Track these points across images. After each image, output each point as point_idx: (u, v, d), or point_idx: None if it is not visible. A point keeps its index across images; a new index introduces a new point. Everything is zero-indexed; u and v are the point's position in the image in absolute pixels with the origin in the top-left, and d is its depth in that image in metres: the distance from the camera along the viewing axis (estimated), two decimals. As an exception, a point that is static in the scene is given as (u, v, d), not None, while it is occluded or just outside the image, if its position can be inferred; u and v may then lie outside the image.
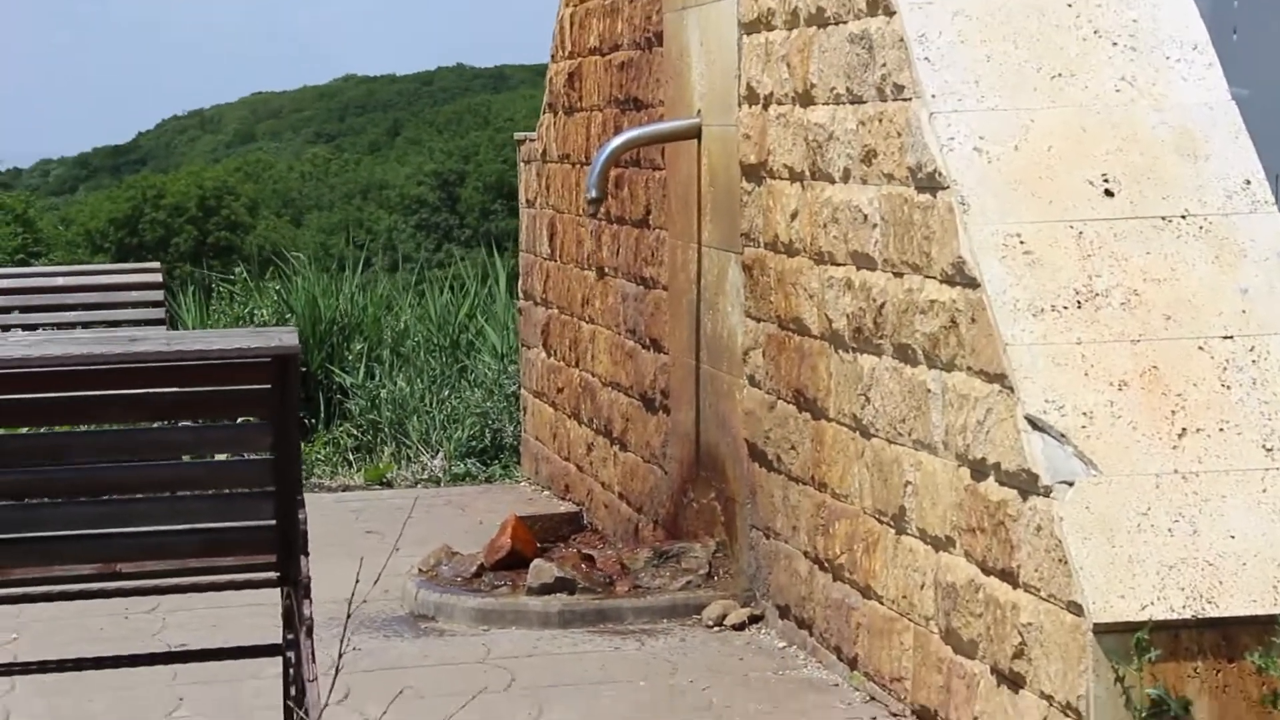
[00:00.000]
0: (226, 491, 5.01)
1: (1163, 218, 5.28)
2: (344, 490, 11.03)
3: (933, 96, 5.47)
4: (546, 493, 10.33)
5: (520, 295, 10.98)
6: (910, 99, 5.59)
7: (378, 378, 12.55)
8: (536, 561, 7.46)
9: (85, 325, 10.10)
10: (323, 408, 12.50)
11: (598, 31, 9.11)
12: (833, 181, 6.23)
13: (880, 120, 5.81)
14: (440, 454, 11.63)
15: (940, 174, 5.39)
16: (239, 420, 5.21)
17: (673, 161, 7.95)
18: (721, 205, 7.36)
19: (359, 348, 12.80)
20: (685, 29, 7.71)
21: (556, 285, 10.03)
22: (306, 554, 4.92)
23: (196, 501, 4.97)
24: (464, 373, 12.55)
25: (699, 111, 7.57)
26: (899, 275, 5.75)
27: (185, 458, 5.08)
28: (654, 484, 8.38)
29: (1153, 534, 4.78)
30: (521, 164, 10.87)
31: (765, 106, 6.81)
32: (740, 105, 7.06)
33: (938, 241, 5.44)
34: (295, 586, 4.91)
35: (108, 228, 62.45)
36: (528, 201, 10.71)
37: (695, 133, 7.58)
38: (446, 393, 12.20)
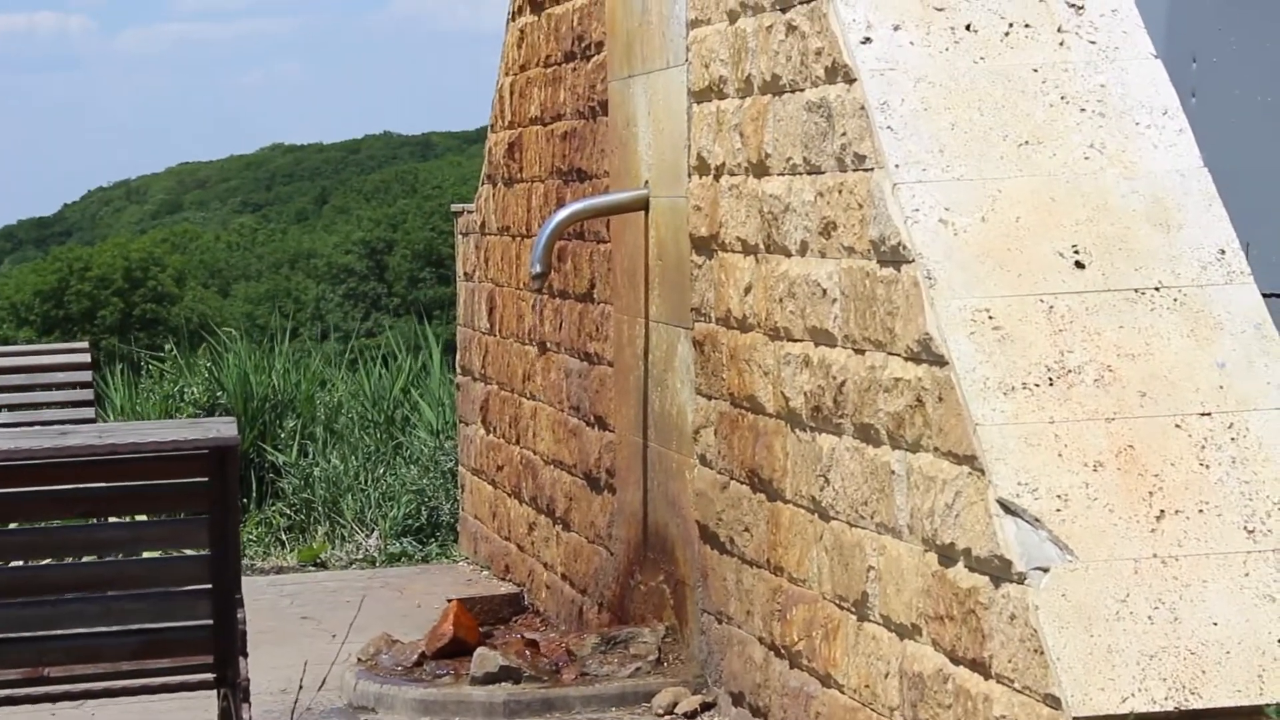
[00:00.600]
0: (161, 590, 4.74)
1: (1136, 290, 5.09)
2: (277, 572, 10.74)
3: (896, 166, 5.28)
4: (486, 573, 10.07)
5: (458, 370, 10.74)
6: (872, 169, 5.39)
7: (311, 455, 12.27)
8: (480, 650, 7.20)
9: (10, 408, 9.79)
10: (255, 487, 12.20)
11: (539, 101, 8.91)
12: (789, 255, 6.02)
13: (840, 191, 5.61)
14: (375, 533, 11.36)
15: (905, 247, 5.19)
16: (175, 515, 4.96)
17: (618, 234, 7.74)
18: (670, 279, 7.15)
19: (291, 425, 12.53)
20: (631, 97, 7.51)
21: (496, 360, 9.79)
22: (245, 655, 4.66)
23: (130, 601, 4.71)
24: (399, 449, 12.28)
25: (646, 182, 7.37)
26: (860, 352, 5.54)
27: (118, 555, 4.81)
28: (599, 566, 8.13)
29: (1132, 622, 4.56)
30: (459, 236, 10.65)
31: (717, 177, 6.60)
32: (690, 176, 6.86)
33: (902, 317, 5.23)
34: (233, 689, 4.65)
35: (33, 300, 61.88)
36: (465, 275, 10.48)
37: (643, 204, 7.37)
38: (381, 470, 11.93)
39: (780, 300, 6.09)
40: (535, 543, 9.15)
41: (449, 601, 8.14)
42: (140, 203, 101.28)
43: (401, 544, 11.11)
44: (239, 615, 4.63)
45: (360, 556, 11.05)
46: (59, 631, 4.61)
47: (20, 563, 4.58)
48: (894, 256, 5.26)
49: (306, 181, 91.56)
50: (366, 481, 11.82)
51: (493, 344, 9.84)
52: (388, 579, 10.22)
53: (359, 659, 7.56)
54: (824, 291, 5.76)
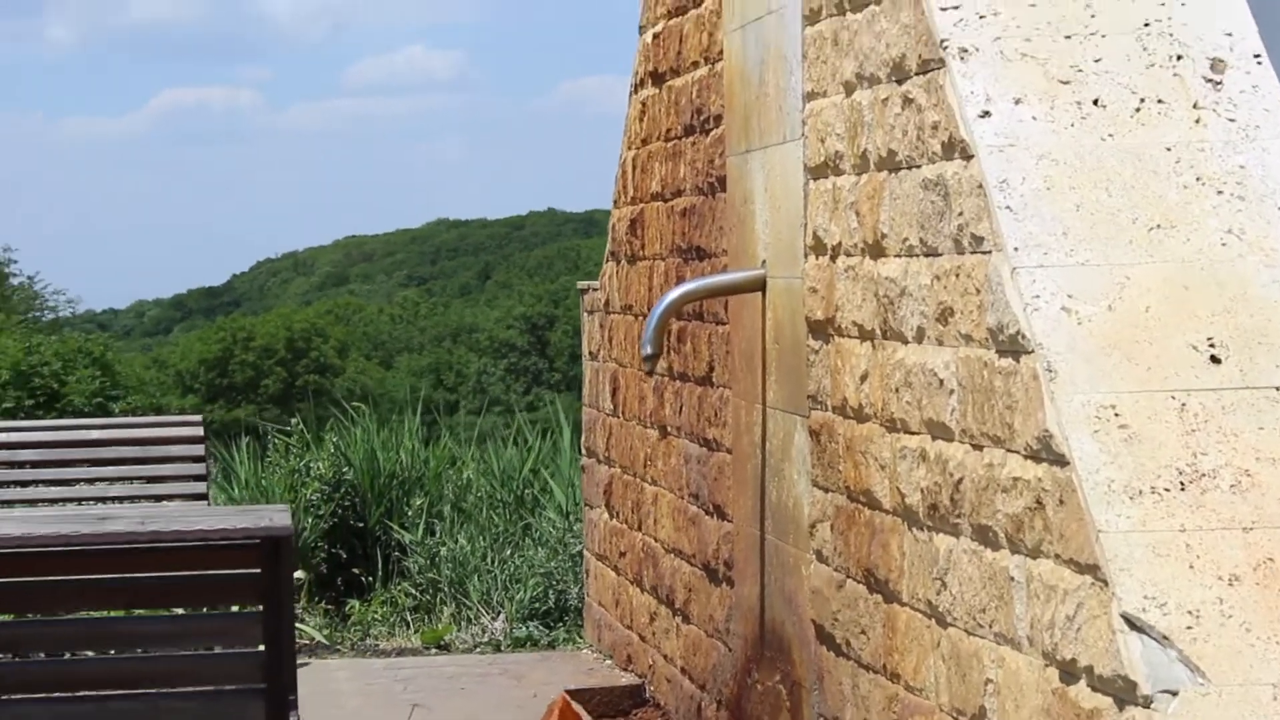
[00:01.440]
0: (211, 689, 4.42)
1: (1278, 388, 4.66)
2: (398, 654, 10.46)
3: (1015, 249, 4.88)
4: (609, 662, 9.71)
5: (583, 452, 10.42)
6: (990, 251, 5.00)
7: (438, 534, 11.98)
8: (582, 752, 6.83)
9: (121, 481, 9.58)
10: (381, 565, 11.94)
11: (660, 176, 8.59)
12: (905, 342, 5.64)
13: (957, 275, 5.22)
14: (501, 615, 11.04)
15: (1024, 336, 4.79)
16: (225, 609, 4.65)
17: (736, 315, 7.39)
18: (787, 364, 6.78)
19: (419, 503, 12.25)
20: (749, 174, 7.17)
21: (619, 443, 9.46)
22: (298, 763, 4.33)
23: (178, 700, 4.39)
24: (528, 530, 11.96)
25: (763, 262, 7.01)
26: (978, 448, 5.14)
27: (163, 651, 4.50)
28: (717, 661, 7.75)
29: (1270, 754, 4.13)
30: (585, 314, 10.36)
31: (833, 258, 6.24)
32: (806, 256, 6.50)
33: (1021, 412, 4.83)
34: (285, 800, 4.32)
35: (198, 369, 62.72)
36: (590, 354, 10.18)
37: (759, 285, 7.02)
38: (509, 551, 11.62)
39: (896, 390, 5.71)
40: (656, 633, 8.79)
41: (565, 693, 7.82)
42: (307, 274, 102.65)
43: (527, 628, 10.77)
44: (291, 719, 4.30)
45: (485, 639, 10.73)
46: (101, 732, 4.32)
47: (58, 655, 4.28)
48: (1012, 346, 4.87)
49: (470, 256, 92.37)
50: (494, 562, 11.52)
51: (616, 425, 9.52)
52: (506, 665, 9.90)
53: (459, 757, 7.21)
54: (940, 382, 5.38)
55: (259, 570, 4.26)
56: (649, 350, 7.13)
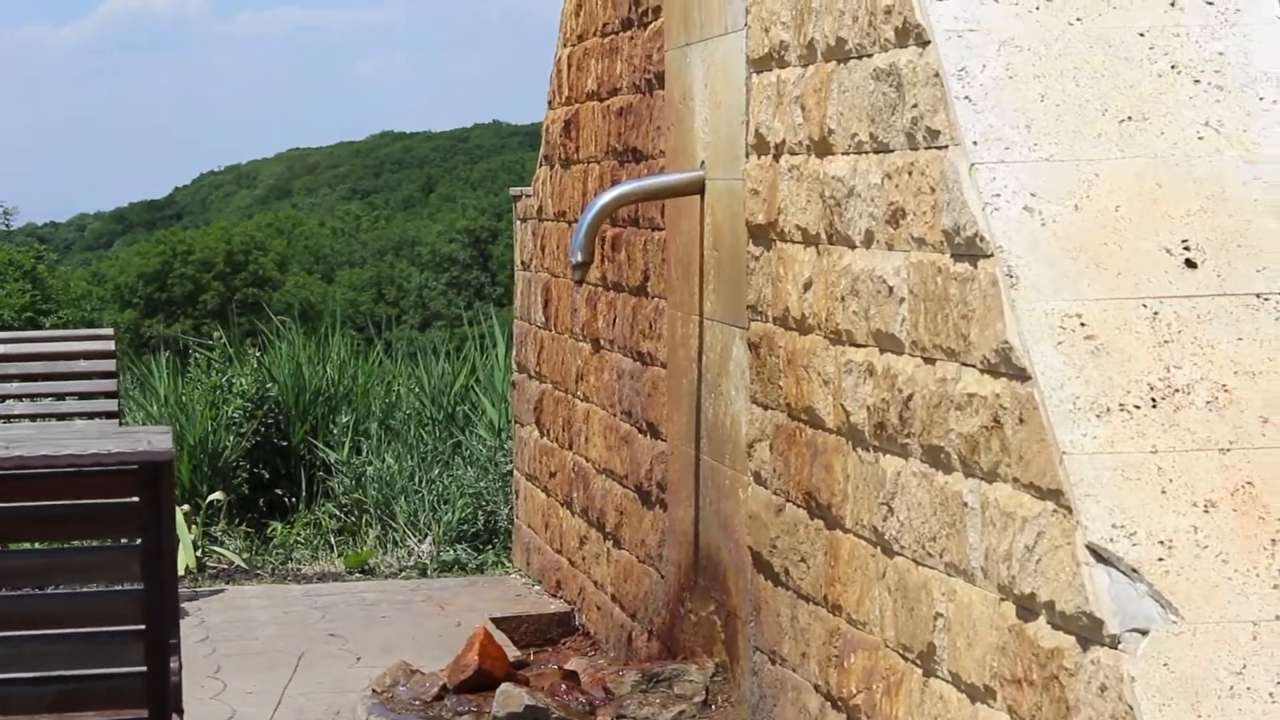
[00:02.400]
0: (84, 631, 4.00)
1: (1257, 295, 4.28)
2: (319, 580, 10.02)
3: (974, 144, 4.47)
4: (538, 588, 9.31)
5: (514, 367, 9.99)
6: (946, 147, 4.58)
7: (364, 453, 11.53)
8: (504, 686, 6.41)
9: (29, 398, 9.11)
10: (305, 486, 11.49)
11: (596, 74, 8.13)
12: (853, 246, 5.22)
13: (910, 173, 4.80)
14: (429, 538, 10.62)
15: (982, 239, 4.38)
16: (99, 543, 4.21)
17: (673, 221, 6.95)
18: (726, 272, 6.36)
19: (345, 420, 11.78)
20: (688, 68, 6.72)
21: (550, 357, 9.03)
22: (180, 712, 3.90)
23: (45, 644, 3.96)
24: (458, 449, 11.52)
25: (703, 163, 6.58)
26: (930, 362, 4.73)
27: (30, 589, 4.07)
28: (649, 589, 7.36)
29: (1249, 699, 3.77)
30: (517, 222, 9.91)
31: (776, 157, 5.81)
32: (748, 155, 6.06)
33: (978, 322, 4.43)
34: (166, 753, 3.90)
35: (137, 283, 62.16)
36: (523, 264, 9.73)
37: (698, 187, 6.58)
38: (438, 470, 11.18)
39: (842, 299, 5.29)
40: (586, 558, 8.39)
41: (487, 623, 7.42)
42: (250, 187, 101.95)
43: (455, 551, 10.35)
44: (173, 665, 3.88)
45: (411, 563, 10.32)
46: (-40, 679, 3.90)
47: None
48: (970, 250, 4.46)
49: (414, 169, 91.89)
50: (421, 483, 11.08)
51: (548, 339, 9.09)
52: (431, 591, 9.48)
53: (374, 690, 6.80)
54: (890, 289, 4.96)
55: (137, 499, 3.84)
56: (579, 258, 6.70)
